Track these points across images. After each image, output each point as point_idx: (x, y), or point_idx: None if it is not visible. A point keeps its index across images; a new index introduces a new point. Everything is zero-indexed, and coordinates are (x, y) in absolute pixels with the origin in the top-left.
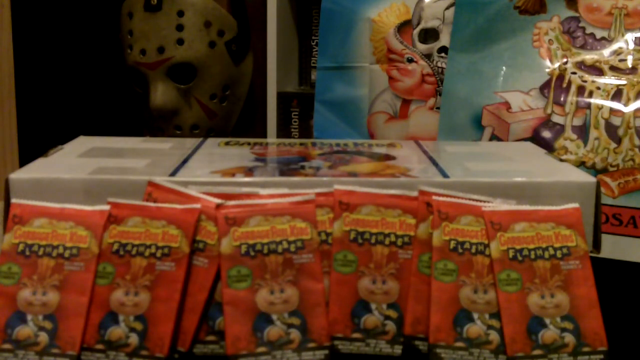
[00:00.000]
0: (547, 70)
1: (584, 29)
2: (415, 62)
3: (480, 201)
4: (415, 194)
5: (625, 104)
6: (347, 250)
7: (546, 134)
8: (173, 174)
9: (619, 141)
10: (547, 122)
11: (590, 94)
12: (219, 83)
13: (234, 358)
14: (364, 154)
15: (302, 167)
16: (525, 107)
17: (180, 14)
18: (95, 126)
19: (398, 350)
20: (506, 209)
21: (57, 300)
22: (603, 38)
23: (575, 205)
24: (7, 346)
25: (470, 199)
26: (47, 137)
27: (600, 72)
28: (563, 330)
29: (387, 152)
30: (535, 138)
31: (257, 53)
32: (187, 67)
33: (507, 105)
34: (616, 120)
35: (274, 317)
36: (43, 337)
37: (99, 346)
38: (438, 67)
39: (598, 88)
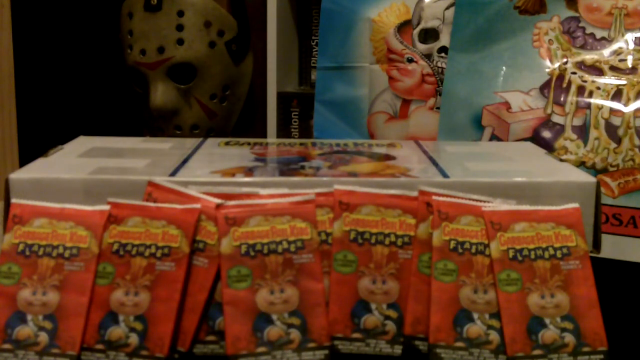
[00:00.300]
0: (547, 70)
1: (584, 29)
2: (415, 62)
3: (480, 201)
4: (415, 194)
5: (625, 104)
6: (347, 250)
7: (546, 134)
8: (173, 174)
9: (619, 141)
10: (547, 122)
11: (590, 94)
12: (219, 83)
13: (234, 358)
14: (364, 154)
15: (302, 167)
16: (525, 107)
17: (180, 14)
18: (95, 126)
19: (398, 350)
20: (506, 209)
21: (57, 300)
22: (603, 38)
23: (575, 205)
24: (7, 346)
25: (470, 199)
26: (47, 137)
27: (600, 72)
28: (563, 330)
29: (387, 152)
30: (535, 138)
31: (257, 53)
32: (187, 67)
33: (507, 105)
34: (616, 120)
35: (274, 317)
36: (43, 337)
37: (99, 346)
38: (438, 67)
39: (598, 88)
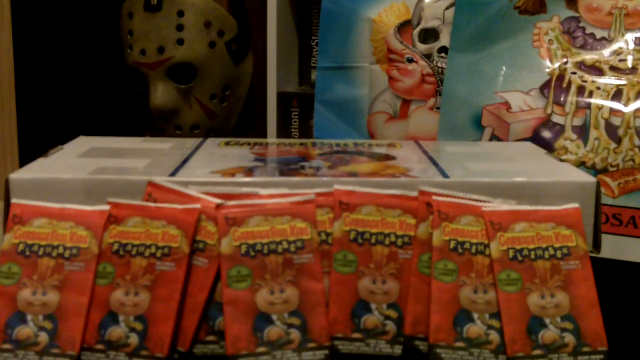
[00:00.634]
0: (547, 70)
1: (584, 29)
2: (415, 62)
3: (480, 201)
4: (415, 194)
5: (625, 104)
6: (347, 250)
7: (546, 134)
8: (173, 174)
9: (619, 141)
10: (547, 122)
11: (590, 94)
12: (219, 83)
13: (234, 358)
14: (364, 154)
15: (302, 167)
16: (525, 107)
17: (180, 14)
18: (95, 126)
19: (398, 350)
20: (506, 209)
21: (57, 300)
22: (603, 38)
23: (575, 205)
24: (7, 346)
25: (470, 199)
26: (47, 137)
27: (600, 72)
28: (563, 330)
29: (387, 152)
30: (535, 138)
31: (257, 53)
32: (187, 67)
33: (507, 105)
34: (616, 120)
35: (274, 317)
36: (43, 337)
37: (99, 346)
38: (438, 67)
39: (598, 88)
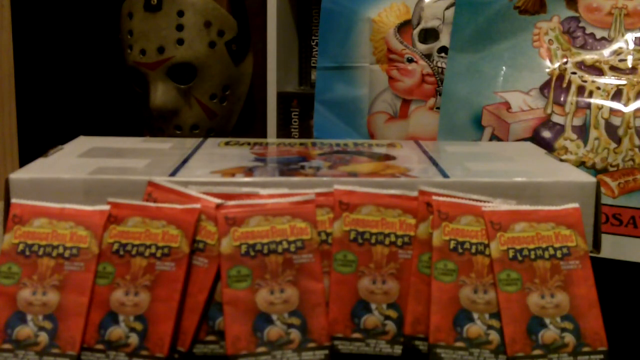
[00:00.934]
0: (547, 70)
1: (584, 29)
2: (415, 62)
3: (480, 201)
4: (415, 194)
5: (625, 104)
6: (347, 250)
7: (546, 134)
8: (173, 174)
9: (619, 141)
10: (547, 122)
11: (590, 94)
12: (219, 83)
13: (234, 358)
14: (364, 154)
15: (302, 167)
16: (525, 107)
17: (180, 14)
18: (95, 126)
19: (398, 350)
20: (506, 209)
21: (57, 300)
22: (603, 38)
23: (575, 205)
24: (7, 346)
25: (470, 199)
26: (47, 137)
27: (600, 72)
28: (563, 330)
29: (387, 152)
30: (535, 138)
31: (257, 53)
32: (187, 67)
33: (507, 105)
34: (616, 120)
35: (274, 317)
36: (43, 337)
37: (99, 346)
38: (438, 67)
39: (598, 88)
